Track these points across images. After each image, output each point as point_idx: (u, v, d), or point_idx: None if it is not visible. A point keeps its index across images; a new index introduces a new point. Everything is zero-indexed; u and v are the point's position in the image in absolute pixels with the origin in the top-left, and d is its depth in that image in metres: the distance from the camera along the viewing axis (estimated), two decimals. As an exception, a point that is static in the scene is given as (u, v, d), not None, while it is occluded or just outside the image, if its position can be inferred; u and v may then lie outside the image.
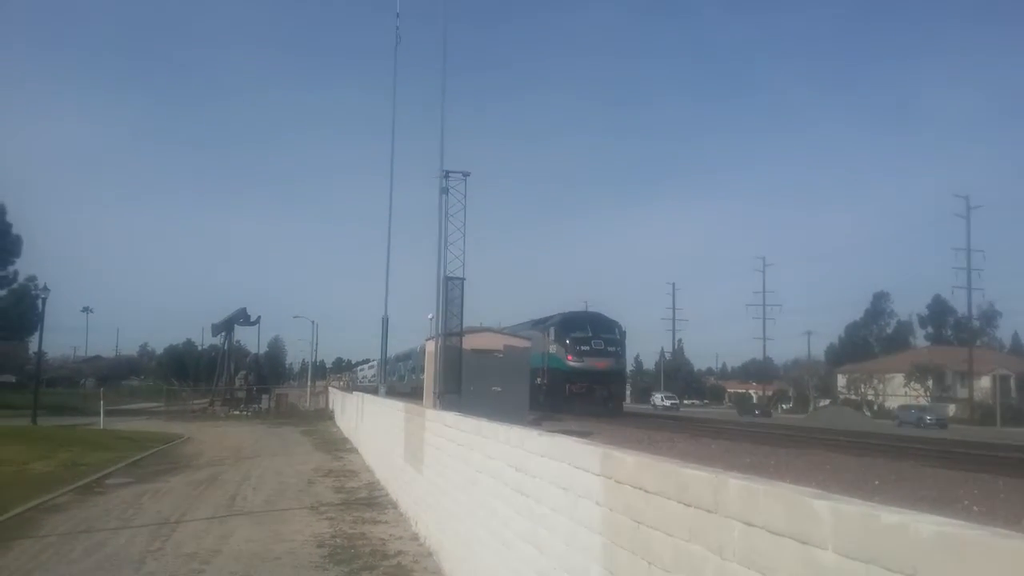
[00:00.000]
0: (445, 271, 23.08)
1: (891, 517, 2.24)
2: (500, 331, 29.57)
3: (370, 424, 20.62)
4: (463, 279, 23.48)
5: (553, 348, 37.52)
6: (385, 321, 26.76)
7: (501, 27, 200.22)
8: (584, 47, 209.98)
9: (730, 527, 3.02)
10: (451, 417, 9.17)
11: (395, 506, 13.44)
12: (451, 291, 23.11)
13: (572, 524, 4.74)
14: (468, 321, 25.62)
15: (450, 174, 23.55)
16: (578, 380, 34.97)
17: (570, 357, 36.31)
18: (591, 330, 37.73)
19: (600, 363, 36.96)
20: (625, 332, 39.72)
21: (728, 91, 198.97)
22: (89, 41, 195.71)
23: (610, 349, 38.12)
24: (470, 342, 25.07)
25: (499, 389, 25.21)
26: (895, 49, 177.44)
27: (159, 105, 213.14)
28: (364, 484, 16.54)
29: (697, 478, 3.29)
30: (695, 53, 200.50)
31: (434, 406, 21.58)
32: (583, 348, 36.93)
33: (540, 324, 39.95)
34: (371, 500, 14.37)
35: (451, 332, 23.56)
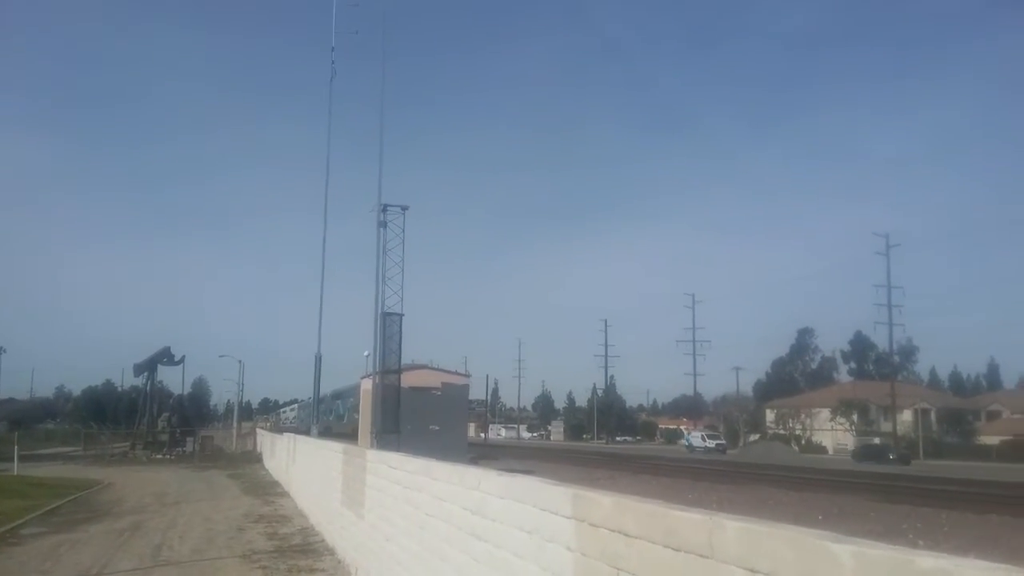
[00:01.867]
0: (383, 307, 22.58)
1: (927, 562, 2.06)
2: (437, 369, 29.23)
3: (303, 466, 19.95)
4: (402, 315, 23.09)
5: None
6: (318, 359, 26.05)
7: (434, 60, 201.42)
8: (517, 83, 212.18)
9: (729, 573, 2.80)
10: (396, 457, 8.81)
11: (332, 552, 12.91)
12: (389, 327, 22.60)
13: (538, 570, 4.47)
14: (404, 358, 25.17)
15: (388, 208, 23.22)
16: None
17: None
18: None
19: None
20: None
21: (655, 127, 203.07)
22: (13, 69, 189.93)
23: None
24: (407, 379, 24.58)
25: (437, 428, 24.71)
26: (820, 86, 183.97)
27: (79, 137, 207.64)
28: (298, 530, 15.91)
29: (688, 520, 3.07)
30: (626, 89, 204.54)
31: (371, 446, 21.01)
32: None
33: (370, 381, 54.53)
34: (306, 547, 13.79)
35: (389, 370, 23.00)
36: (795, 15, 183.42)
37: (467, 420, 26.49)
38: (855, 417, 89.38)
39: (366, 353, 30.65)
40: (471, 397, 41.47)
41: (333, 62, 27.00)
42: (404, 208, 23.39)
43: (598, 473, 23.08)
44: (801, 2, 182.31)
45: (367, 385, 25.24)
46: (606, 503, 3.74)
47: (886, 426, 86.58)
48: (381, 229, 22.57)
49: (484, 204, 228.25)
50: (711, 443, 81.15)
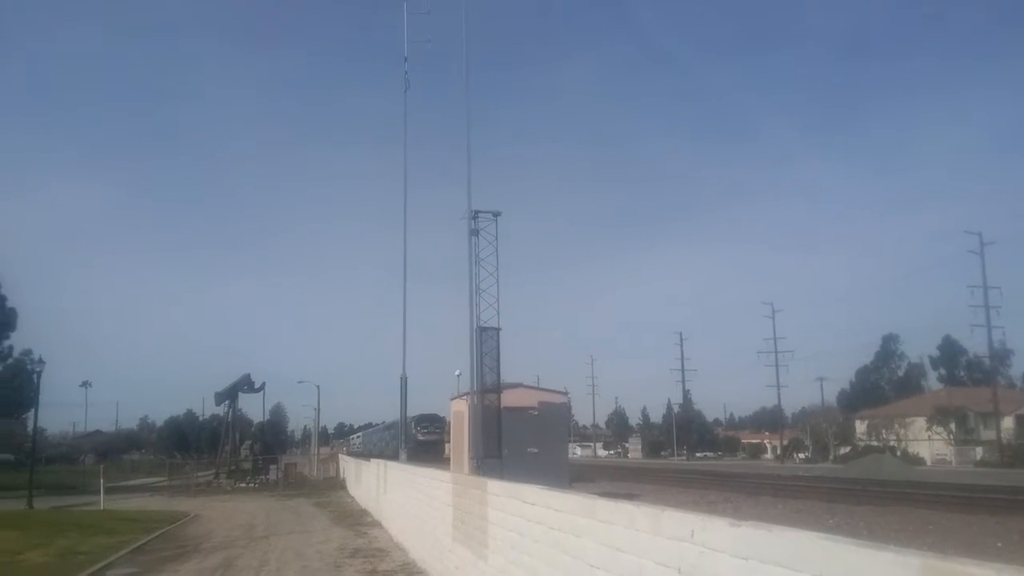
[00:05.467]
0: (478, 321, 21.23)
1: None
2: (533, 387, 27.74)
3: (397, 495, 18.74)
4: (499, 329, 21.67)
5: (413, 429, 66.18)
6: (404, 381, 24.94)
7: (486, 74, 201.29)
8: (575, 95, 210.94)
9: None
10: (534, 491, 7.43)
11: (444, 594, 11.61)
12: (485, 343, 21.27)
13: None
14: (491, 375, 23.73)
15: (479, 214, 21.92)
16: (421, 445, 64.25)
17: (419, 434, 68.70)
18: (428, 421, 71.96)
19: (430, 436, 71.17)
20: (444, 420, 69.16)
21: (730, 134, 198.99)
22: (83, 111, 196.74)
23: (436, 429, 71.61)
24: (502, 399, 23.16)
25: (535, 450, 23.27)
26: (895, 86, 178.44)
27: (154, 172, 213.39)
28: (399, 566, 14.66)
29: None
30: (686, 99, 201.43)
31: (474, 472, 19.73)
32: (423, 428, 70.71)
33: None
34: (412, 587, 12.52)
35: (488, 389, 21.59)
36: (849, 19, 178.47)
37: (567, 441, 24.99)
38: (953, 426, 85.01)
39: (457, 372, 29.81)
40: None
41: (407, 72, 26.05)
42: (496, 214, 22.10)
43: (710, 496, 21.33)
44: (855, 6, 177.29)
45: (458, 406, 23.93)
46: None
47: (987, 434, 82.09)
48: (473, 237, 21.30)
49: (550, 217, 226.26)
50: None
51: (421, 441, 67.63)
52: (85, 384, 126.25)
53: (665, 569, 4.56)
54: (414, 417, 68.57)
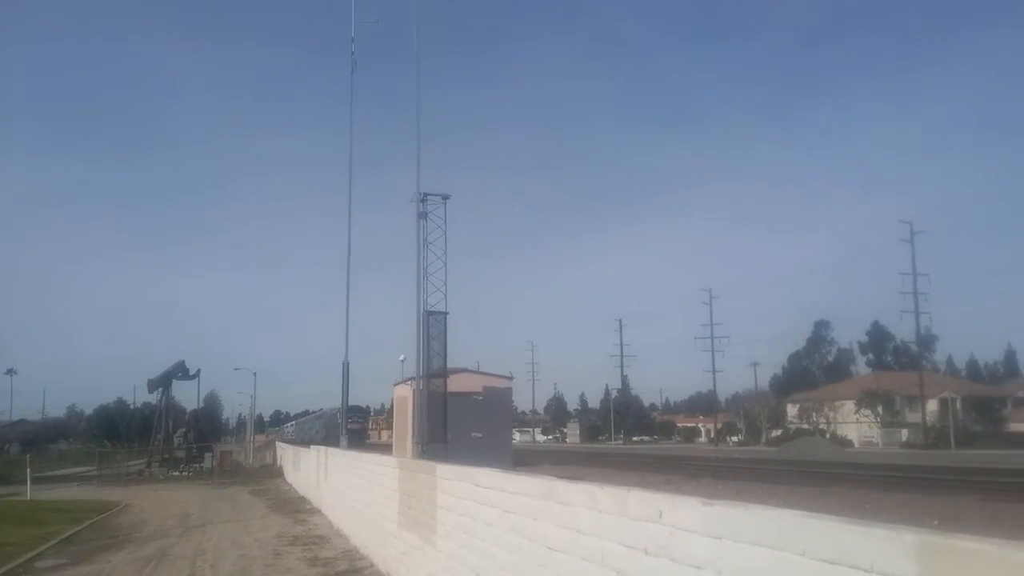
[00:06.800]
0: (426, 304, 20.89)
1: None
2: (477, 372, 27.58)
3: (339, 482, 18.42)
4: (446, 313, 21.36)
5: (339, 419, 72.11)
6: (345, 367, 24.54)
7: (441, 59, 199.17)
8: (525, 81, 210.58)
9: None
10: (487, 475, 7.27)
11: (389, 581, 11.41)
12: (432, 327, 20.95)
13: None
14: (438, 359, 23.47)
15: (428, 197, 21.49)
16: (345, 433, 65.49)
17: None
18: (351, 412, 73.12)
19: (353, 425, 73.07)
20: (366, 410, 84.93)
21: (668, 121, 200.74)
22: (11, 89, 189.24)
23: (359, 419, 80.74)
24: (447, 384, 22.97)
25: (480, 435, 23.12)
26: (829, 79, 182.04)
27: (83, 157, 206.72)
28: (340, 553, 14.39)
29: None
30: (634, 84, 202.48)
31: (418, 457, 19.50)
32: (348, 418, 71.02)
33: (330, 409, 76.79)
34: (355, 574, 12.28)
35: (434, 374, 21.30)
36: (802, 8, 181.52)
37: (511, 425, 24.95)
38: (880, 409, 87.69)
39: (402, 358, 29.57)
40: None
41: (353, 53, 25.39)
42: (445, 197, 21.69)
43: (650, 478, 21.49)
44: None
45: (402, 392, 23.64)
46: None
47: (912, 416, 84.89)
48: (421, 220, 20.92)
49: (489, 202, 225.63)
50: None
51: (346, 429, 77.41)
52: (10, 372, 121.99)
53: (631, 551, 4.45)
54: (338, 409, 73.43)
